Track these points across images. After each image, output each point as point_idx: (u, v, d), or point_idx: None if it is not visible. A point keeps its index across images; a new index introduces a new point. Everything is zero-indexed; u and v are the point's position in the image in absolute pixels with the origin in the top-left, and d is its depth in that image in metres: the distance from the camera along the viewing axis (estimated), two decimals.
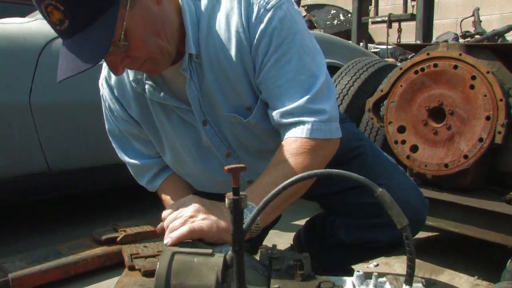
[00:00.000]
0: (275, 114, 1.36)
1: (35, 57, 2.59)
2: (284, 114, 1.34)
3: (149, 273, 1.87)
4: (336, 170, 0.88)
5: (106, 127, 1.66)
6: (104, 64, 1.52)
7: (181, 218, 1.18)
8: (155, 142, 1.60)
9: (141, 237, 2.25)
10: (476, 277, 2.14)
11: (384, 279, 1.13)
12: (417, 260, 2.32)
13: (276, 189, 0.89)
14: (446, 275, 2.17)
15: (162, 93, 1.45)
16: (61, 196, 2.69)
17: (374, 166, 1.59)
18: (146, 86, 1.45)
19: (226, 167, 0.84)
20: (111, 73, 1.49)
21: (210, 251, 0.98)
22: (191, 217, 1.18)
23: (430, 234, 2.64)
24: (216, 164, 1.54)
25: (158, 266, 0.93)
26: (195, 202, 1.25)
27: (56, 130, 2.63)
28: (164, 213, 1.26)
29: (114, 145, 1.68)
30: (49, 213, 3.24)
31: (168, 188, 1.63)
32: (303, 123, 1.32)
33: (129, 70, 1.46)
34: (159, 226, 1.27)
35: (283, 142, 1.35)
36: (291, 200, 1.34)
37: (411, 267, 0.89)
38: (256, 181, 1.30)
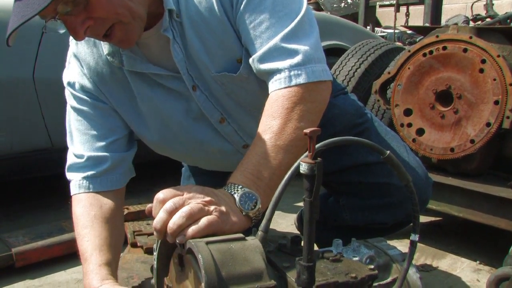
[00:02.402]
0: (253, 59, 1.24)
1: (39, 33, 2.56)
2: (260, 59, 1.22)
3: (151, 250, 1.88)
4: (341, 138, 0.86)
5: (68, 106, 1.45)
6: (71, 39, 1.38)
7: (191, 208, 0.94)
8: (132, 123, 1.45)
9: (144, 215, 2.25)
10: (478, 262, 2.14)
11: (358, 243, 1.14)
12: (419, 244, 2.32)
13: (283, 182, 0.89)
14: (448, 260, 2.17)
15: (143, 62, 1.33)
16: (64, 173, 2.69)
17: (379, 144, 1.57)
18: (124, 58, 1.33)
19: (304, 131, 0.78)
20: (79, 47, 1.38)
21: (241, 235, 0.93)
22: (203, 207, 0.97)
23: (433, 219, 2.63)
24: (209, 133, 1.44)
25: (200, 261, 0.82)
26: (198, 189, 1.03)
27: (60, 106, 2.61)
28: (163, 195, 0.99)
29: (71, 129, 1.44)
30: (52, 189, 3.24)
31: (90, 210, 1.34)
32: (279, 71, 1.19)
33: (103, 45, 1.34)
34: (148, 206, 1.04)
35: (267, 102, 1.21)
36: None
37: (416, 217, 0.96)
38: (246, 155, 1.15)
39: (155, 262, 1.19)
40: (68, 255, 2.16)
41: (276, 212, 2.63)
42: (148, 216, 1.03)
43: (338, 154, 1.56)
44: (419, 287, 1.13)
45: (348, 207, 1.67)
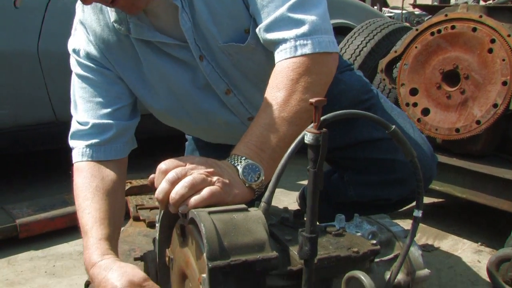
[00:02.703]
0: (260, 29, 1.23)
1: (43, 5, 2.54)
2: (267, 28, 1.21)
3: (153, 224, 1.88)
4: (347, 110, 0.85)
5: (73, 73, 1.44)
6: (78, 5, 1.38)
7: (193, 178, 0.94)
8: (137, 90, 1.44)
9: (146, 189, 2.25)
10: (479, 243, 2.14)
11: (360, 219, 1.14)
12: (421, 225, 2.32)
13: (287, 153, 0.88)
14: (449, 241, 2.18)
15: (150, 31, 1.32)
16: (68, 146, 2.69)
17: (385, 120, 1.56)
18: (131, 25, 1.31)
19: (310, 100, 0.76)
20: (86, 14, 1.37)
21: (243, 206, 0.92)
22: (206, 178, 0.96)
23: (435, 200, 2.63)
24: (215, 103, 1.43)
25: (202, 230, 0.81)
26: (201, 160, 1.02)
27: (64, 79, 2.60)
28: (165, 166, 0.99)
29: (76, 97, 1.42)
30: (56, 163, 3.25)
31: (92, 178, 1.32)
32: (285, 41, 1.17)
33: (110, 12, 1.32)
34: (151, 176, 1.04)
35: (272, 73, 1.20)
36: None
37: (420, 193, 0.96)
38: (250, 127, 1.14)
39: (157, 234, 1.19)
40: (71, 228, 2.17)
41: (279, 190, 2.65)
42: (150, 186, 1.02)
43: (343, 129, 1.54)
44: (421, 264, 1.13)
45: (352, 183, 1.66)
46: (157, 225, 1.18)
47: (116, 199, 1.33)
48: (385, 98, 1.70)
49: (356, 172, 1.65)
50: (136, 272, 1.08)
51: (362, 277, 0.75)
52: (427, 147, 1.61)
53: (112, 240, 1.23)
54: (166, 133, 2.55)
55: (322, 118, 0.76)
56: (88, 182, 1.31)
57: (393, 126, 0.92)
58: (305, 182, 2.24)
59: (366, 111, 1.55)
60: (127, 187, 2.22)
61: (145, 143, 2.19)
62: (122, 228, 1.94)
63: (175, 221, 1.07)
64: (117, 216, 1.32)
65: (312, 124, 0.79)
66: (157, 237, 1.20)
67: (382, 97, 1.66)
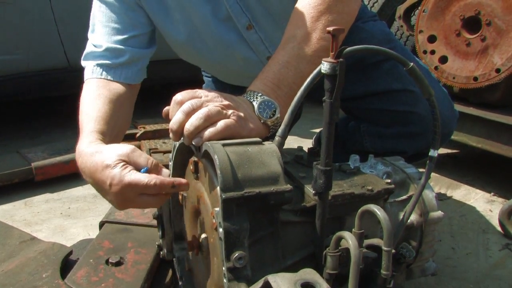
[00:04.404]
0: None
1: None
2: None
3: (166, 167, 1.89)
4: (367, 45, 0.83)
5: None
6: None
7: (209, 110, 0.91)
8: (158, 18, 1.41)
9: (160, 134, 2.26)
10: (492, 193, 2.13)
11: (375, 160, 1.14)
12: (434, 174, 2.31)
13: (304, 85, 0.85)
14: (462, 190, 2.17)
15: None
16: (80, 92, 2.69)
17: (405, 71, 1.52)
18: None
19: (327, 28, 0.74)
20: None
21: (258, 139, 0.90)
22: (221, 111, 0.93)
23: (449, 151, 2.61)
24: (235, 38, 1.42)
25: (216, 161, 0.79)
26: (217, 93, 1.00)
27: (77, 24, 2.57)
28: (181, 97, 0.95)
29: (94, 21, 1.40)
30: (70, 109, 3.27)
31: (100, 97, 1.27)
32: None
33: None
34: (165, 108, 1.00)
35: (293, 10, 1.16)
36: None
37: (436, 133, 0.93)
38: (268, 64, 1.12)
39: (170, 172, 1.19)
40: None
41: (292, 137, 2.65)
42: (165, 118, 1.01)
43: (361, 79, 1.51)
44: (434, 206, 1.12)
45: (368, 133, 1.64)
46: (170, 163, 1.18)
47: (120, 109, 1.28)
48: (408, 50, 1.66)
49: (373, 123, 1.62)
50: (122, 146, 1.02)
51: (377, 211, 0.75)
52: (447, 101, 1.57)
53: (106, 136, 1.16)
54: (181, 79, 2.53)
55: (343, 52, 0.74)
56: (93, 90, 1.29)
57: (411, 64, 0.89)
58: (318, 130, 2.23)
59: (386, 61, 1.53)
60: (140, 132, 2.22)
61: (159, 90, 2.18)
62: None
63: (188, 159, 1.07)
64: (118, 121, 1.26)
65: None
66: (170, 176, 1.21)
67: (404, 49, 1.62)
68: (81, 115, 1.22)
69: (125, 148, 1.01)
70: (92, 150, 1.04)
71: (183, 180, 0.98)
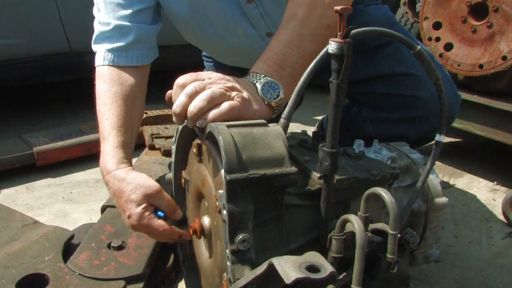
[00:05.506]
0: None
1: None
2: None
3: (168, 153, 1.89)
4: (375, 28, 0.81)
5: None
6: None
7: (212, 92, 0.91)
8: None
9: (161, 120, 2.25)
10: (495, 182, 2.12)
11: (380, 145, 1.13)
12: (437, 163, 2.30)
13: (310, 67, 0.83)
14: (465, 179, 2.16)
15: None
16: (83, 78, 2.67)
17: (408, 55, 1.50)
18: None
19: (335, 8, 0.72)
20: None
21: (263, 121, 0.89)
22: (225, 92, 0.93)
23: (452, 139, 2.60)
24: (236, 11, 1.40)
25: (220, 142, 0.78)
26: (220, 75, 0.99)
27: (79, 9, 2.55)
28: (184, 79, 0.95)
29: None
30: (71, 95, 3.26)
31: (113, 83, 1.32)
32: None
33: None
34: (168, 92, 1.01)
35: None
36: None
37: (442, 117, 0.94)
38: (270, 44, 1.11)
39: (173, 156, 1.19)
40: (87, 157, 2.19)
41: (295, 124, 2.64)
42: (167, 102, 1.00)
43: (364, 62, 1.50)
44: (439, 192, 1.12)
45: (371, 119, 1.63)
46: (173, 147, 1.17)
47: (135, 105, 1.33)
48: (411, 34, 1.64)
49: (376, 108, 1.61)
50: (149, 183, 1.12)
51: (383, 193, 0.74)
52: (450, 85, 1.56)
53: (127, 148, 1.26)
54: (182, 65, 2.51)
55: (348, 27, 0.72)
56: (108, 88, 1.31)
57: (419, 47, 0.88)
58: (320, 117, 2.21)
59: (389, 44, 1.52)
60: (142, 118, 2.21)
61: (161, 75, 2.16)
62: (137, 157, 1.96)
63: (191, 142, 1.06)
64: (135, 121, 1.33)
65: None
66: (173, 159, 1.20)
67: (408, 33, 1.60)
68: (101, 118, 1.27)
69: (151, 188, 1.12)
70: (121, 176, 1.15)
71: (188, 235, 1.13)
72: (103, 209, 1.55)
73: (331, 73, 0.76)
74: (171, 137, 1.97)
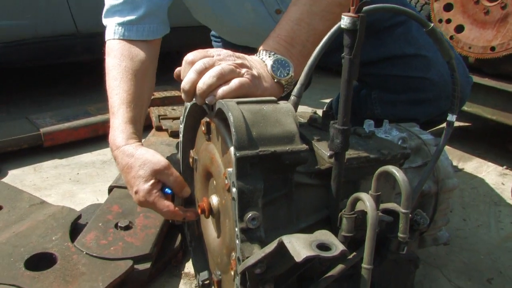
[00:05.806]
0: None
1: None
2: None
3: (176, 134, 1.87)
4: (388, 5, 0.79)
5: None
6: None
7: (222, 68, 0.89)
8: None
9: (169, 101, 2.23)
10: (504, 166, 2.11)
11: (390, 126, 1.11)
12: (446, 147, 2.29)
13: (321, 44, 0.81)
14: (474, 163, 2.14)
15: None
16: (90, 60, 2.65)
17: (418, 37, 1.48)
18: None
19: None
20: None
21: (273, 98, 0.88)
22: (235, 69, 0.91)
23: (461, 124, 2.57)
24: None
25: (230, 118, 0.77)
26: (229, 52, 0.98)
27: None
28: (192, 56, 0.93)
29: None
30: (78, 76, 3.25)
31: (123, 57, 1.31)
32: None
33: None
34: (177, 69, 0.99)
35: None
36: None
37: (455, 97, 0.94)
38: (280, 21, 1.09)
39: (181, 135, 1.18)
40: (94, 138, 2.19)
41: (302, 107, 2.61)
42: (176, 79, 0.98)
43: (374, 43, 1.47)
44: (450, 173, 1.10)
45: (380, 101, 1.61)
46: (181, 126, 1.16)
47: (145, 80, 1.31)
48: (423, 16, 1.60)
49: (385, 90, 1.59)
50: (157, 159, 1.11)
51: (396, 172, 0.73)
52: (461, 67, 1.53)
53: (137, 123, 1.25)
54: (190, 46, 2.49)
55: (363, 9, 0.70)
56: (118, 62, 1.29)
57: (432, 24, 0.86)
58: (328, 100, 2.19)
59: (400, 25, 1.49)
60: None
61: (169, 57, 2.14)
62: (144, 138, 1.95)
63: (199, 121, 1.05)
64: (145, 97, 1.32)
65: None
66: (180, 139, 1.19)
67: (418, 14, 1.57)
68: (111, 93, 1.26)
69: (159, 164, 1.11)
70: (130, 151, 1.15)
71: (192, 217, 1.15)
72: (110, 189, 1.54)
73: (341, 52, 0.74)
74: (178, 118, 1.96)
